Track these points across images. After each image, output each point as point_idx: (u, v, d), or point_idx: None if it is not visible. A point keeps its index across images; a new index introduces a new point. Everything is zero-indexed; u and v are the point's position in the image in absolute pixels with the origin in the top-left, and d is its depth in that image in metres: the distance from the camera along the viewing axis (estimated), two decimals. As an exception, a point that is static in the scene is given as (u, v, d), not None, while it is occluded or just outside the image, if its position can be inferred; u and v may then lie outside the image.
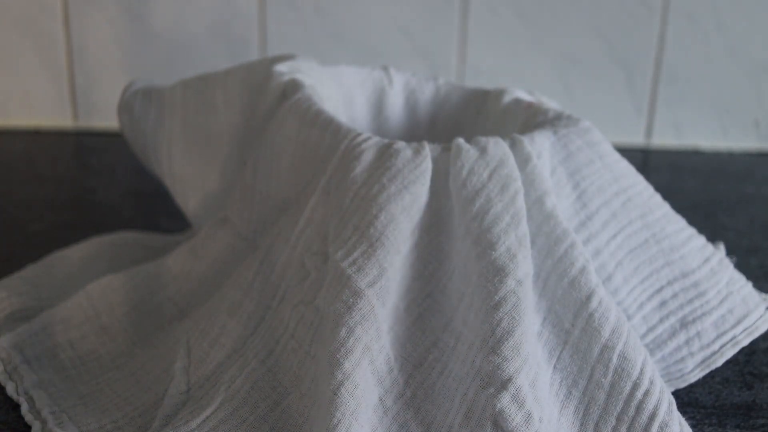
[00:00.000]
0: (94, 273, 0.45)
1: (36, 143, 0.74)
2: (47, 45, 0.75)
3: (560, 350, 0.33)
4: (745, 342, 0.38)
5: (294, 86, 0.42)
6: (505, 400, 0.30)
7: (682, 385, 0.37)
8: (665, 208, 0.40)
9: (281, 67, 0.44)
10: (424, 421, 0.32)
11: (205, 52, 0.75)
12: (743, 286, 0.40)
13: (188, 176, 0.46)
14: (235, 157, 0.44)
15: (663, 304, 0.37)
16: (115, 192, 0.63)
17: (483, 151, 0.36)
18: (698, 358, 0.37)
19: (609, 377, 0.32)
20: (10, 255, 0.50)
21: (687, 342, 0.37)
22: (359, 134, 0.37)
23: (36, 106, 0.77)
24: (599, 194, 0.38)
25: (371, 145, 0.36)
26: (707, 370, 0.37)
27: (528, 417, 0.30)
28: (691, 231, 0.40)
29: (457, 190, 0.35)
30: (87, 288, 0.41)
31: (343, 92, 0.47)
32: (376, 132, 0.48)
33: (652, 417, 0.32)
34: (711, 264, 0.39)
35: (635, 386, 0.32)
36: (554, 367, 0.33)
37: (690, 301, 0.38)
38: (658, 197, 0.40)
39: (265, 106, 0.43)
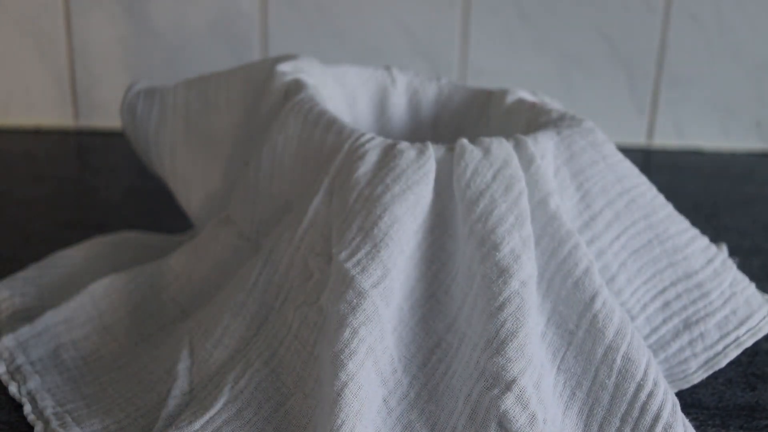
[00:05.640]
0: (96, 273, 0.45)
1: (37, 142, 0.74)
2: (48, 44, 0.75)
3: (564, 351, 0.33)
4: (749, 343, 0.38)
5: (297, 86, 0.42)
6: (509, 401, 0.30)
7: (686, 386, 0.37)
8: (668, 208, 0.40)
9: (284, 67, 0.44)
10: (429, 422, 0.32)
11: (207, 51, 0.75)
12: (746, 287, 0.40)
13: (190, 176, 0.46)
14: (237, 157, 0.44)
15: (666, 304, 0.37)
16: (117, 191, 0.63)
17: (487, 151, 0.36)
18: (702, 359, 0.37)
19: (613, 378, 0.32)
20: (12, 255, 0.50)
21: (690, 343, 0.37)
22: (363, 134, 0.37)
23: (37, 105, 0.77)
24: (603, 195, 0.38)
25: (375, 146, 0.36)
26: (711, 371, 0.37)
27: (532, 418, 0.30)
28: (695, 232, 0.40)
29: (461, 191, 0.35)
30: (89, 288, 0.41)
31: (345, 92, 0.47)
32: (379, 132, 0.48)
33: (656, 418, 0.32)
34: (714, 265, 0.39)
35: (639, 387, 0.32)
36: (558, 368, 0.33)
37: (693, 302, 0.38)
38: (661, 198, 0.40)
39: (267, 106, 0.43)
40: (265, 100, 0.43)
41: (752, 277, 0.42)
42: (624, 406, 0.32)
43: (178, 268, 0.42)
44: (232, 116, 0.44)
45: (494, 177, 0.35)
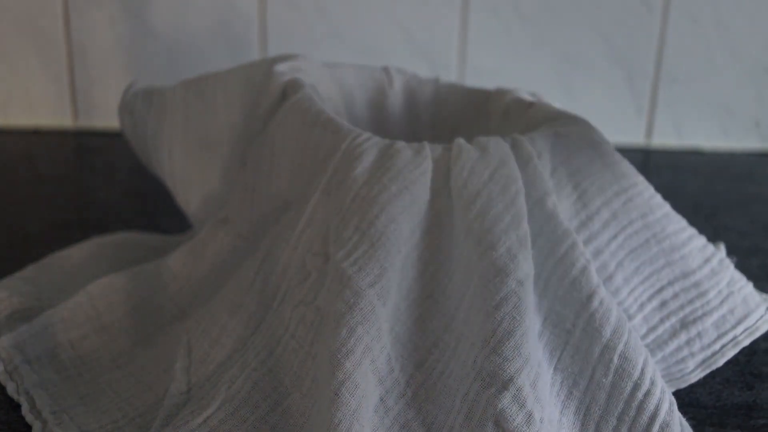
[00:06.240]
0: (94, 273, 0.45)
1: (36, 143, 0.74)
2: (47, 44, 0.75)
3: (561, 351, 0.33)
4: (746, 342, 0.38)
5: (294, 86, 0.42)
6: (506, 401, 0.30)
7: (683, 385, 0.37)
8: (666, 208, 0.40)
9: (281, 67, 0.44)
10: (426, 422, 0.32)
11: (206, 52, 0.75)
12: (744, 286, 0.40)
13: (189, 176, 0.46)
14: (235, 157, 0.44)
15: (664, 304, 0.37)
16: (116, 192, 0.63)
17: (484, 151, 0.36)
18: (699, 358, 0.37)
19: (610, 378, 0.32)
20: (11, 255, 0.50)
21: (688, 342, 0.37)
22: (360, 134, 0.37)
23: (36, 105, 0.77)
24: (600, 194, 0.38)
25: (372, 146, 0.36)
26: (708, 371, 0.37)
27: (529, 417, 0.30)
28: (692, 231, 0.40)
29: (458, 191, 0.35)
30: (88, 288, 0.41)
31: (343, 92, 0.47)
32: (377, 132, 0.48)
33: (653, 417, 0.32)
34: (712, 264, 0.39)
35: (636, 387, 0.32)
36: (555, 367, 0.33)
37: (691, 301, 0.38)
38: (658, 197, 0.40)
39: (265, 106, 0.43)
40: (263, 100, 0.43)
41: (751, 277, 0.42)
42: (621, 405, 0.32)
43: (177, 268, 0.42)
44: (230, 116, 0.44)
45: (491, 176, 0.35)
